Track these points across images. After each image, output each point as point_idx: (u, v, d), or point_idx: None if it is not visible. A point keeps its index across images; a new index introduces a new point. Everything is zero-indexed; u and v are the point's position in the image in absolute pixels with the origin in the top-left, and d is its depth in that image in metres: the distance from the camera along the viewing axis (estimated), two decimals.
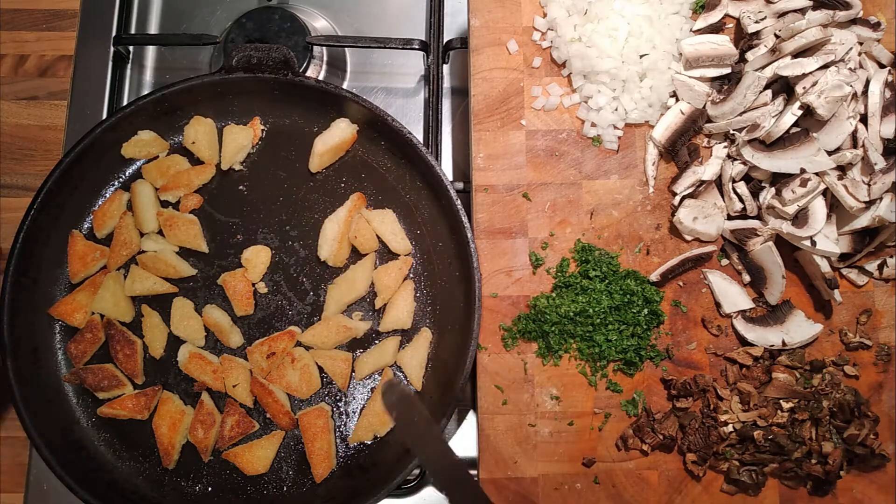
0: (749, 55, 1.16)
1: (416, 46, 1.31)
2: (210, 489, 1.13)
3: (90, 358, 1.15)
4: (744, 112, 1.13)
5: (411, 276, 1.19)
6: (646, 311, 1.12)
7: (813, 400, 1.08)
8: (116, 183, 1.23)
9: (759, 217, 1.13)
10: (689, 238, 1.15)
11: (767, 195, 1.10)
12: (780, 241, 1.12)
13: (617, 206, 1.16)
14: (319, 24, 1.41)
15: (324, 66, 1.40)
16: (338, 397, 1.16)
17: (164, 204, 1.21)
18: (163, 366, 1.16)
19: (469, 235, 1.12)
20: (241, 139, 1.22)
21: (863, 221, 1.09)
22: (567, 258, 1.14)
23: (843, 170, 1.10)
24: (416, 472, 1.18)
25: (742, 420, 1.08)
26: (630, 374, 1.12)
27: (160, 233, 1.19)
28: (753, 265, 1.13)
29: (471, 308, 1.10)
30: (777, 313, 1.12)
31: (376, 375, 1.16)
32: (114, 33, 1.37)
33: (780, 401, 1.09)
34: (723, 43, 1.17)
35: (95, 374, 1.13)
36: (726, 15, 1.21)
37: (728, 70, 1.17)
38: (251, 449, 1.12)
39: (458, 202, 1.14)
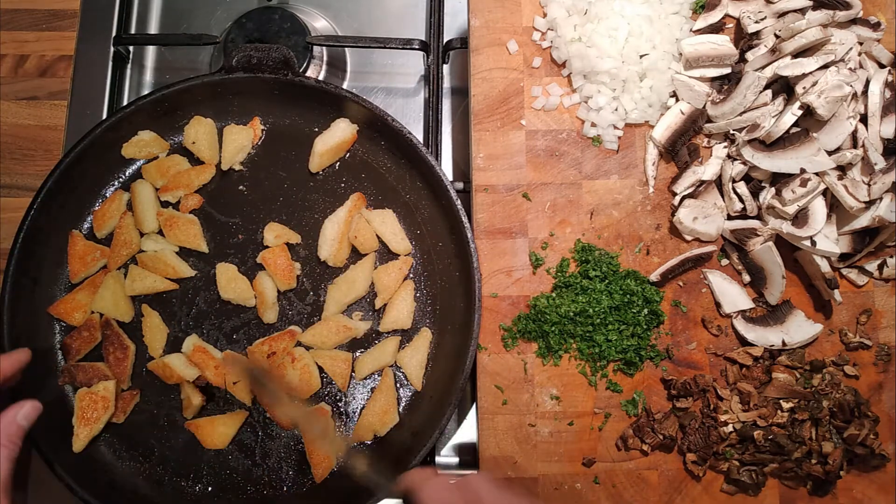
0: (749, 55, 1.16)
1: (416, 46, 1.31)
2: (210, 489, 1.13)
3: (84, 356, 1.15)
4: (744, 112, 1.13)
5: (411, 276, 1.19)
6: (646, 311, 1.12)
7: (813, 400, 1.08)
8: (116, 183, 1.23)
9: (759, 217, 1.13)
10: (689, 238, 1.15)
11: (767, 195, 1.10)
12: (780, 241, 1.12)
13: (617, 206, 1.16)
14: (319, 24, 1.41)
15: (324, 66, 1.40)
16: (338, 397, 1.16)
17: (164, 204, 1.21)
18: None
19: (469, 235, 1.12)
20: (241, 139, 1.22)
21: (863, 221, 1.09)
22: (567, 258, 1.14)
23: (843, 170, 1.10)
24: None
25: (742, 420, 1.08)
26: (630, 374, 1.12)
27: (160, 233, 1.19)
28: (753, 265, 1.13)
29: (471, 308, 1.10)
30: (777, 313, 1.12)
31: (376, 375, 1.16)
32: (114, 33, 1.37)
33: (780, 401, 1.09)
34: (723, 43, 1.17)
35: (86, 372, 1.13)
36: (726, 15, 1.21)
37: (728, 70, 1.17)
38: (213, 423, 1.13)
39: (458, 202, 1.14)
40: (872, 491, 1.09)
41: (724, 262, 1.16)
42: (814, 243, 1.08)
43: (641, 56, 1.17)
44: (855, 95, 1.10)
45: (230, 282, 1.17)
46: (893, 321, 1.14)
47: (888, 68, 1.14)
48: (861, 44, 1.15)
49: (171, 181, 1.20)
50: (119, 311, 1.16)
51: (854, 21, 1.16)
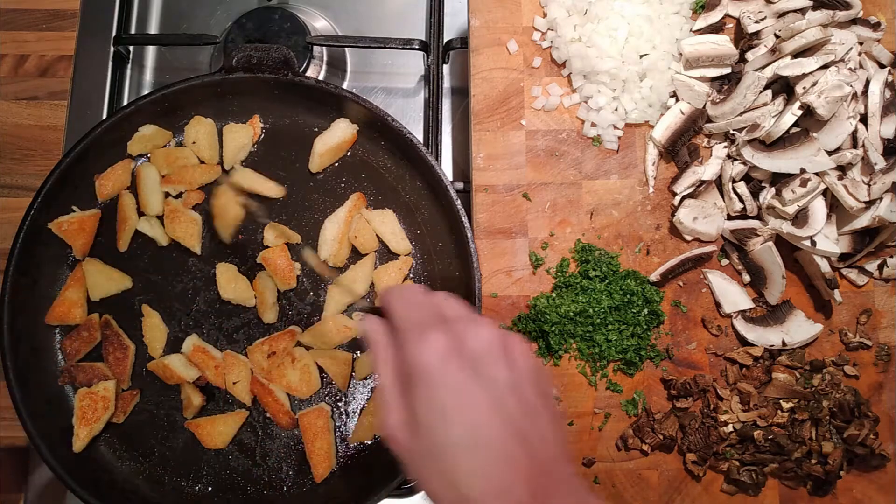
0: (749, 55, 1.16)
1: (416, 46, 1.31)
2: (210, 489, 1.13)
3: (84, 356, 1.15)
4: (744, 112, 1.13)
5: (411, 276, 1.19)
6: (646, 311, 1.12)
7: (813, 400, 1.08)
8: None
9: (759, 217, 1.13)
10: (689, 238, 1.15)
11: (767, 195, 1.11)
12: (780, 241, 1.12)
13: (617, 206, 1.16)
14: (319, 24, 1.41)
15: (324, 66, 1.40)
16: (338, 397, 1.16)
17: (165, 195, 1.21)
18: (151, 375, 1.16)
19: (469, 235, 1.12)
20: (242, 138, 1.22)
21: (863, 221, 1.09)
22: (567, 258, 1.14)
23: (843, 170, 1.10)
24: None
25: (742, 420, 1.08)
26: (630, 374, 1.12)
27: (161, 220, 1.19)
28: (753, 265, 1.13)
29: (471, 308, 1.10)
30: (777, 313, 1.12)
31: (376, 375, 1.16)
32: (114, 33, 1.37)
33: (780, 401, 1.09)
34: (723, 43, 1.17)
35: (86, 372, 1.13)
36: (726, 15, 1.21)
37: (728, 70, 1.17)
38: (213, 423, 1.13)
39: (458, 202, 1.14)
40: (872, 491, 1.09)
41: (724, 262, 1.16)
42: (814, 243, 1.08)
43: (641, 56, 1.17)
44: (855, 95, 1.10)
45: (230, 282, 1.17)
46: (893, 321, 1.14)
47: (888, 68, 1.14)
48: (861, 44, 1.15)
49: (175, 174, 1.20)
50: (115, 283, 1.17)
51: (854, 21, 1.16)
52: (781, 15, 1.17)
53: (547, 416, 0.66)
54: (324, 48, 1.39)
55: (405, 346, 0.68)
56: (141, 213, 1.20)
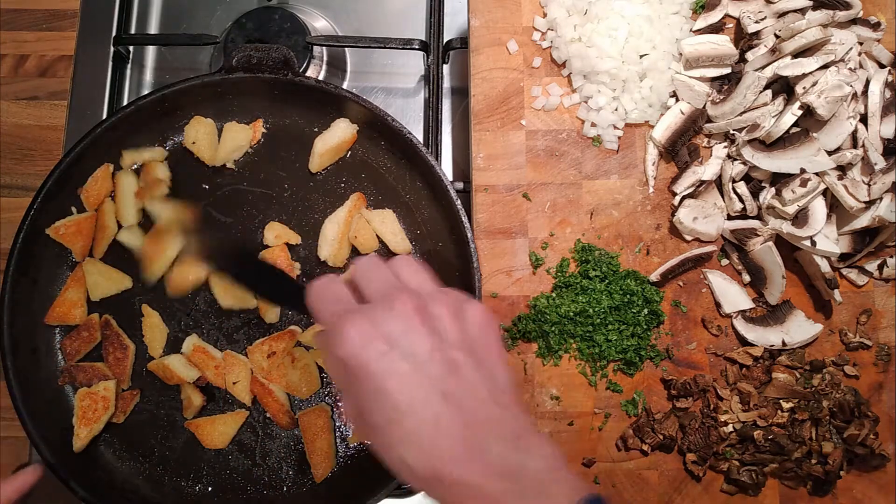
0: (749, 55, 1.16)
1: (416, 46, 1.31)
2: (210, 489, 1.13)
3: (84, 356, 1.16)
4: (744, 112, 1.13)
5: None
6: (646, 311, 1.12)
7: (813, 400, 1.08)
8: None
9: (759, 217, 1.13)
10: (689, 238, 1.15)
11: (767, 195, 1.11)
12: (780, 241, 1.12)
13: (617, 206, 1.16)
14: (319, 24, 1.41)
15: (324, 66, 1.40)
16: (338, 397, 1.16)
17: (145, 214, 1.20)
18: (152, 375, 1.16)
19: (469, 235, 1.12)
20: (240, 138, 1.21)
21: (863, 221, 1.09)
22: (567, 258, 1.14)
23: (843, 170, 1.10)
24: None
25: (742, 420, 1.08)
26: (630, 374, 1.12)
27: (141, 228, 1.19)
28: (753, 265, 1.13)
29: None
30: (777, 313, 1.12)
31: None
32: (114, 33, 1.37)
33: (780, 401, 1.09)
34: (723, 43, 1.17)
35: (86, 372, 1.13)
36: (726, 15, 1.21)
37: (728, 70, 1.17)
38: (213, 423, 1.13)
39: (458, 202, 1.14)
40: (872, 491, 1.09)
41: (724, 262, 1.16)
42: (814, 243, 1.08)
43: (641, 56, 1.17)
44: (855, 95, 1.10)
45: (227, 289, 1.16)
46: (893, 321, 1.14)
47: (888, 68, 1.14)
48: (861, 44, 1.15)
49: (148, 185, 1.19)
50: (115, 283, 1.17)
51: (854, 21, 1.16)
52: (781, 15, 1.17)
53: (474, 366, 0.68)
54: (324, 48, 1.39)
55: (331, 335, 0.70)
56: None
